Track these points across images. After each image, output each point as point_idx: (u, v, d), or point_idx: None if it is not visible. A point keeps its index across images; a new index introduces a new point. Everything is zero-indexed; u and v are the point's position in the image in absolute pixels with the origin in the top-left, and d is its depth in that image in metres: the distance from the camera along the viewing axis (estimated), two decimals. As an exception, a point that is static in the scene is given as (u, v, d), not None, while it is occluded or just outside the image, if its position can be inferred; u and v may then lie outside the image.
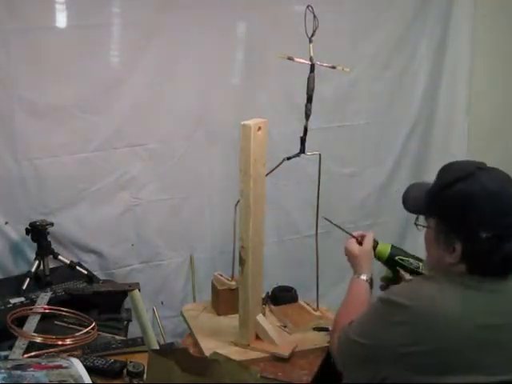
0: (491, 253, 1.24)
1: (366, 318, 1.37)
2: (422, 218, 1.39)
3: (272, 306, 2.04)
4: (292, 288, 2.14)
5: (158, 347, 1.67)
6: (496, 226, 1.24)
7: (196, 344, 1.85)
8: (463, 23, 2.89)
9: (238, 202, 1.81)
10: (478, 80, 2.96)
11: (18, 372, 1.30)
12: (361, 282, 1.64)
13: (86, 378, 1.34)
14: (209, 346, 1.77)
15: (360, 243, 1.70)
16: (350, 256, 1.71)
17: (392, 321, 1.26)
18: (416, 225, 1.41)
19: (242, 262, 1.77)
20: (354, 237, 1.72)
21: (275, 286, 2.16)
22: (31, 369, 1.32)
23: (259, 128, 1.67)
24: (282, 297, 2.09)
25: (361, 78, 2.73)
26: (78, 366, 1.37)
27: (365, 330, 1.34)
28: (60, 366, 1.37)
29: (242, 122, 1.68)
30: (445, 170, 1.36)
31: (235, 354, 1.68)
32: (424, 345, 1.21)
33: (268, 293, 2.08)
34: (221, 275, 2.06)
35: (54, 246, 2.24)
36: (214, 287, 2.05)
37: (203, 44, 2.40)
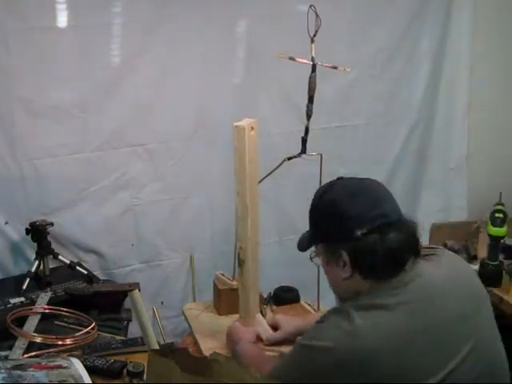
0: (375, 250, 1.23)
1: (287, 366, 1.34)
2: (314, 253, 1.41)
3: (274, 307, 2.04)
4: (295, 288, 2.14)
5: (157, 347, 1.67)
6: (367, 220, 1.24)
7: (196, 343, 1.85)
8: (463, 23, 2.88)
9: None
10: (478, 80, 2.96)
11: (18, 372, 1.30)
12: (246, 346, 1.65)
13: (86, 377, 1.34)
14: (208, 346, 1.77)
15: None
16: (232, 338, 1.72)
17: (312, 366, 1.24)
18: (311, 260, 1.43)
19: (240, 262, 1.77)
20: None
21: (277, 286, 2.16)
22: (31, 369, 1.32)
23: (252, 128, 1.68)
24: (284, 297, 2.09)
25: (361, 78, 2.73)
26: (78, 366, 1.37)
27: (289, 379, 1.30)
28: (60, 366, 1.37)
29: (235, 124, 1.68)
30: (315, 193, 1.40)
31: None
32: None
33: (270, 293, 2.08)
34: (222, 274, 2.06)
35: (53, 246, 2.23)
36: (215, 287, 2.05)
37: (203, 44, 2.40)
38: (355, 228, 1.24)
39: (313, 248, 1.42)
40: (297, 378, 1.27)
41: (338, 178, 1.38)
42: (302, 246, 1.45)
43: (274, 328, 1.78)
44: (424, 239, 2.88)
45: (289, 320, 1.80)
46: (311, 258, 1.43)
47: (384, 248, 1.23)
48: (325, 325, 1.27)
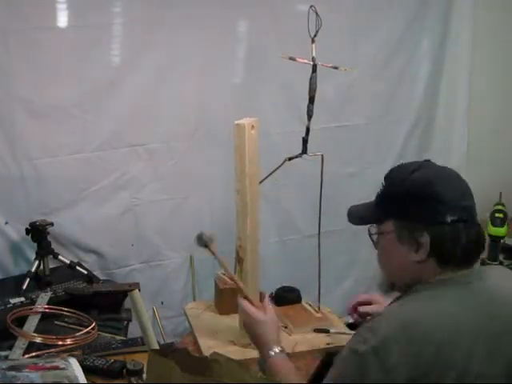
0: (459, 238, 1.22)
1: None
2: (375, 230, 1.34)
3: (275, 307, 2.04)
4: (296, 289, 2.14)
5: (157, 347, 1.67)
6: (459, 208, 1.23)
7: (195, 343, 1.85)
8: (463, 23, 2.89)
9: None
10: (478, 80, 2.96)
11: (13, 373, 1.30)
12: (278, 357, 1.44)
13: (82, 379, 1.34)
14: (208, 345, 1.77)
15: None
16: (254, 325, 1.51)
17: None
18: (370, 236, 1.35)
19: (240, 260, 1.77)
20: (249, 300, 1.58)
21: (279, 286, 2.16)
22: (26, 370, 1.32)
23: (252, 127, 1.68)
24: (286, 297, 2.09)
25: (361, 78, 2.73)
26: (75, 367, 1.37)
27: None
28: (57, 367, 1.37)
29: (236, 122, 1.68)
30: (392, 172, 1.33)
31: (235, 353, 1.68)
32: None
33: (272, 293, 2.08)
34: (224, 274, 2.06)
35: (53, 246, 2.23)
36: (216, 286, 2.05)
37: (203, 44, 2.40)
38: (447, 213, 1.21)
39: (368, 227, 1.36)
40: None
41: (425, 160, 1.34)
42: (364, 219, 1.37)
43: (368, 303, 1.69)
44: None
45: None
46: (371, 235, 1.34)
47: (467, 239, 1.22)
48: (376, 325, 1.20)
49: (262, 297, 2.03)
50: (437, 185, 1.24)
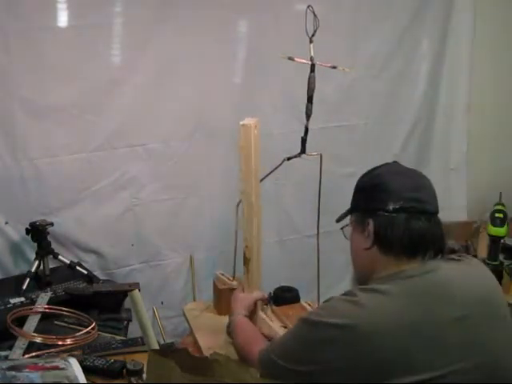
0: (399, 227, 1.27)
1: (289, 343, 1.33)
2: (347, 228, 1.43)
3: (273, 306, 2.04)
4: (295, 289, 2.14)
5: (157, 347, 1.67)
6: (403, 198, 1.28)
7: (196, 343, 1.85)
8: (463, 23, 2.89)
9: (240, 201, 1.80)
10: (478, 80, 2.96)
11: (13, 373, 1.29)
12: (241, 318, 1.71)
13: (82, 379, 1.34)
14: (208, 346, 1.77)
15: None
16: (231, 300, 1.79)
17: (319, 340, 1.23)
18: (342, 231, 1.45)
19: (246, 261, 1.77)
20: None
21: (277, 286, 2.16)
22: (26, 370, 1.32)
23: (255, 127, 1.68)
24: (284, 297, 2.09)
25: (361, 78, 2.73)
26: (74, 367, 1.37)
27: (289, 354, 1.30)
28: (57, 367, 1.37)
29: (241, 122, 1.69)
30: (362, 174, 1.45)
31: (233, 353, 1.68)
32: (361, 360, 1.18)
33: (270, 293, 2.08)
34: (222, 274, 2.06)
35: (54, 245, 2.23)
36: (215, 286, 2.05)
37: (203, 44, 2.40)
38: (389, 201, 1.29)
39: (346, 221, 1.45)
40: (297, 354, 1.27)
41: (393, 162, 1.46)
42: (340, 217, 1.48)
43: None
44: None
45: None
46: (342, 229, 1.45)
47: (408, 229, 1.27)
48: (331, 303, 1.29)
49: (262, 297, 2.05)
50: (385, 177, 1.34)
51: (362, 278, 1.36)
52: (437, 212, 1.34)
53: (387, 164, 1.43)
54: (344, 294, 1.28)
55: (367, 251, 1.32)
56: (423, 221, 1.28)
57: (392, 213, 1.28)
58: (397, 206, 1.28)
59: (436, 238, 1.31)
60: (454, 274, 1.28)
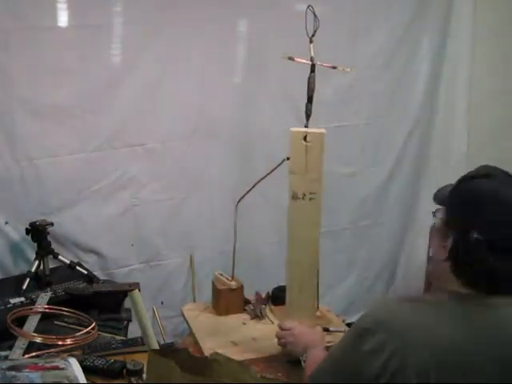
0: (476, 259, 1.17)
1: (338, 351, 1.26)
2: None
3: (272, 306, 2.04)
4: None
5: (157, 347, 1.67)
6: (491, 232, 1.16)
7: (196, 344, 1.85)
8: (463, 23, 2.89)
9: (239, 201, 1.80)
10: (478, 80, 2.96)
11: (13, 373, 1.30)
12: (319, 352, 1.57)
13: (82, 379, 1.34)
14: (209, 346, 1.77)
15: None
16: (301, 335, 1.68)
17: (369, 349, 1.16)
18: (433, 214, 1.33)
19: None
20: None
21: (276, 286, 2.16)
22: (26, 370, 1.32)
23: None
24: (282, 297, 2.08)
25: (361, 78, 2.73)
26: (75, 367, 1.37)
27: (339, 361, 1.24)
28: (57, 367, 1.37)
29: (320, 131, 1.71)
30: (477, 169, 1.30)
31: (235, 353, 1.68)
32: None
33: (269, 292, 2.08)
34: (221, 275, 2.06)
35: (53, 245, 2.23)
36: (214, 287, 2.05)
37: (203, 44, 2.41)
38: (475, 230, 1.16)
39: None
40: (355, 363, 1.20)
41: (502, 171, 1.27)
42: (440, 198, 1.34)
43: None
44: (424, 239, 2.89)
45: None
46: (434, 213, 1.33)
47: (486, 265, 1.16)
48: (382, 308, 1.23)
49: (257, 296, 2.04)
50: (484, 198, 1.20)
51: (433, 284, 1.32)
52: None
53: (498, 175, 1.25)
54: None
55: (441, 261, 1.23)
56: (508, 260, 1.16)
57: (474, 242, 1.16)
58: (481, 238, 1.15)
59: None
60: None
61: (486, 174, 1.25)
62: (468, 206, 1.21)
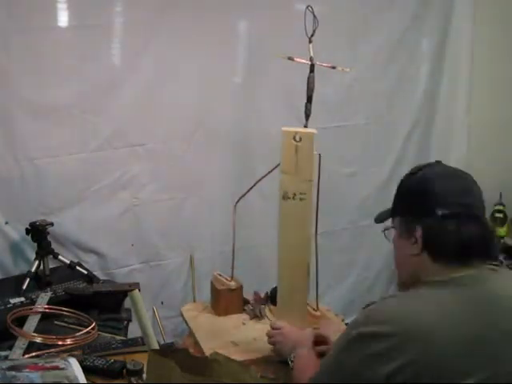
0: (449, 233, 1.23)
1: (336, 359, 1.25)
2: (388, 226, 1.40)
3: (271, 306, 2.04)
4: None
5: (157, 347, 1.67)
6: (452, 204, 1.24)
7: (196, 344, 1.85)
8: (463, 23, 2.89)
9: (238, 201, 1.80)
10: (478, 80, 2.96)
11: (13, 373, 1.30)
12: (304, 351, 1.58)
13: (82, 379, 1.34)
14: (209, 346, 1.77)
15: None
16: (289, 335, 1.69)
17: (370, 353, 1.17)
18: (384, 233, 1.41)
19: None
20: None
21: (275, 286, 2.16)
22: (26, 370, 1.32)
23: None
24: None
25: (361, 78, 2.73)
26: (75, 367, 1.37)
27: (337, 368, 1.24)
28: (57, 367, 1.37)
29: (310, 131, 1.68)
30: (405, 174, 1.39)
31: (235, 353, 1.68)
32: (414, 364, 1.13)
33: (267, 292, 2.08)
34: (220, 275, 2.06)
35: (54, 245, 2.23)
36: (213, 287, 2.05)
37: (203, 44, 2.41)
38: (437, 207, 1.24)
39: (387, 223, 1.42)
40: (354, 367, 1.20)
41: (436, 161, 1.38)
42: (380, 217, 1.45)
43: (319, 342, 1.69)
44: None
45: (333, 331, 1.71)
46: (384, 231, 1.41)
47: (458, 235, 1.23)
48: (373, 308, 1.25)
49: (256, 296, 2.04)
50: (431, 181, 1.28)
51: (409, 282, 1.31)
52: (484, 216, 1.29)
53: (431, 165, 1.36)
54: (383, 298, 1.27)
55: (415, 257, 1.28)
56: (473, 225, 1.24)
57: (441, 219, 1.23)
58: (446, 212, 1.23)
59: (486, 244, 1.27)
60: (500, 286, 1.27)
61: (418, 168, 1.34)
62: (421, 194, 1.28)
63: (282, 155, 1.73)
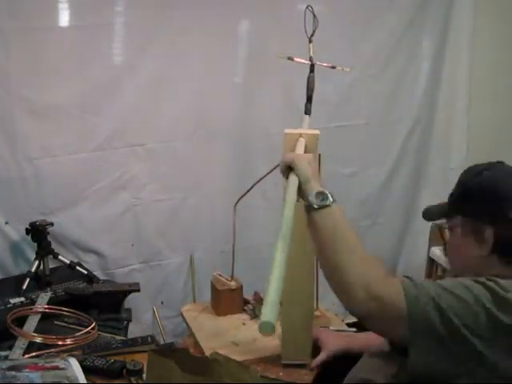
0: None
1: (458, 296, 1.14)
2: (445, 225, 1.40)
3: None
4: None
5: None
6: None
7: (197, 344, 1.84)
8: (463, 23, 2.89)
9: (238, 202, 1.80)
10: (478, 80, 2.96)
11: (13, 373, 1.30)
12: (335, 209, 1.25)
13: (82, 379, 1.34)
14: (210, 347, 1.76)
15: None
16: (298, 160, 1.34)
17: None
18: (448, 231, 1.38)
19: None
20: None
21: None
22: (26, 370, 1.32)
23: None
24: (282, 296, 2.08)
25: (361, 78, 2.73)
26: (74, 367, 1.37)
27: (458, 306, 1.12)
28: (57, 367, 1.37)
29: (315, 132, 1.65)
30: (466, 171, 1.37)
31: (236, 354, 1.68)
32: None
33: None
34: (220, 275, 2.06)
35: (53, 245, 2.23)
36: (213, 287, 2.05)
37: (203, 44, 2.40)
38: (510, 209, 1.23)
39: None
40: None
41: (497, 162, 1.36)
42: (434, 215, 1.44)
43: (317, 348, 1.72)
44: (424, 239, 2.88)
45: (332, 339, 1.74)
46: (449, 229, 1.38)
47: None
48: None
49: (256, 296, 2.04)
50: (502, 183, 1.27)
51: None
52: None
53: (494, 165, 1.34)
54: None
55: (481, 258, 1.27)
56: None
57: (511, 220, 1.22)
58: None
59: None
60: None
61: (486, 167, 1.32)
62: (491, 194, 1.26)
63: None
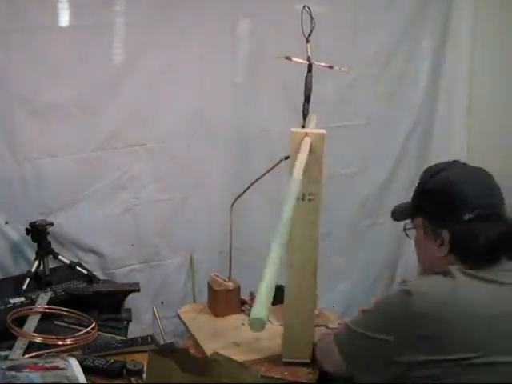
0: (477, 237, 1.24)
1: (379, 312, 1.31)
2: (409, 225, 1.42)
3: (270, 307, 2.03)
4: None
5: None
6: (479, 207, 1.25)
7: (197, 345, 1.84)
8: (463, 23, 2.89)
9: (235, 202, 1.79)
10: (479, 80, 2.96)
11: (13, 373, 1.30)
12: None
13: (82, 379, 1.34)
14: (211, 348, 1.76)
15: None
16: None
17: (411, 312, 1.21)
18: (405, 231, 1.43)
19: None
20: None
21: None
22: (26, 370, 1.32)
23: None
24: (279, 296, 2.07)
25: (361, 78, 2.73)
26: (74, 367, 1.37)
27: (379, 323, 1.28)
28: (57, 367, 1.37)
29: (321, 131, 1.66)
30: (424, 172, 1.40)
31: (238, 354, 1.67)
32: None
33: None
34: (217, 276, 2.04)
35: (53, 245, 2.23)
36: (210, 288, 2.03)
37: (203, 43, 2.41)
38: (465, 211, 1.25)
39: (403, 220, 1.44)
40: (379, 322, 1.26)
41: (453, 161, 1.40)
42: (400, 215, 1.46)
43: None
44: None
45: None
46: (405, 230, 1.43)
47: (486, 237, 1.24)
48: (426, 279, 1.29)
49: (252, 297, 2.04)
50: (456, 184, 1.29)
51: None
52: (507, 210, 1.31)
53: (452, 165, 1.37)
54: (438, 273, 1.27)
55: (443, 258, 1.30)
56: (500, 225, 1.26)
57: (469, 223, 1.25)
58: (474, 216, 1.25)
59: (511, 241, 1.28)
60: None
61: (439, 168, 1.35)
62: (446, 197, 1.29)
63: (292, 157, 1.72)
